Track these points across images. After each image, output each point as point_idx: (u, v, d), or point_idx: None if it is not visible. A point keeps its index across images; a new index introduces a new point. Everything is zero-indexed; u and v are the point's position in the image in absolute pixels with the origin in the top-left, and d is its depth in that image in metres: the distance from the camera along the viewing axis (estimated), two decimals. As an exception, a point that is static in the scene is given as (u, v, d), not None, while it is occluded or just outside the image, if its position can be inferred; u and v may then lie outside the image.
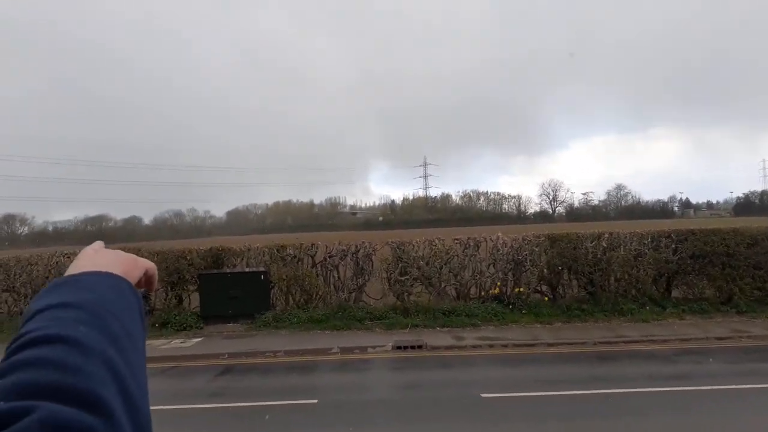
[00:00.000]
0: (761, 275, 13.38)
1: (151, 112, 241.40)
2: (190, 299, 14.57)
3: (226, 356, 11.07)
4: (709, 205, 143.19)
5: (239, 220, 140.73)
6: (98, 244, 0.93)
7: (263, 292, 13.94)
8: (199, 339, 12.64)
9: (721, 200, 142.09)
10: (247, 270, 14.24)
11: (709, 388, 8.17)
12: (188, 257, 14.44)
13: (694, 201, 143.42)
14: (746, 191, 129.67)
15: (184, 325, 13.46)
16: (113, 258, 0.82)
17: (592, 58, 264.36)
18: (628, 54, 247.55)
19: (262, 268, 14.20)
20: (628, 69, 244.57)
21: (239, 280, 13.83)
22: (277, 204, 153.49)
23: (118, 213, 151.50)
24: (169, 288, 14.36)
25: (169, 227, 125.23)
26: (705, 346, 10.91)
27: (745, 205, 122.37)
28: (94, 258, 0.81)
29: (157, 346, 12.01)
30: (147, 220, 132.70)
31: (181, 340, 12.60)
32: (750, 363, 9.74)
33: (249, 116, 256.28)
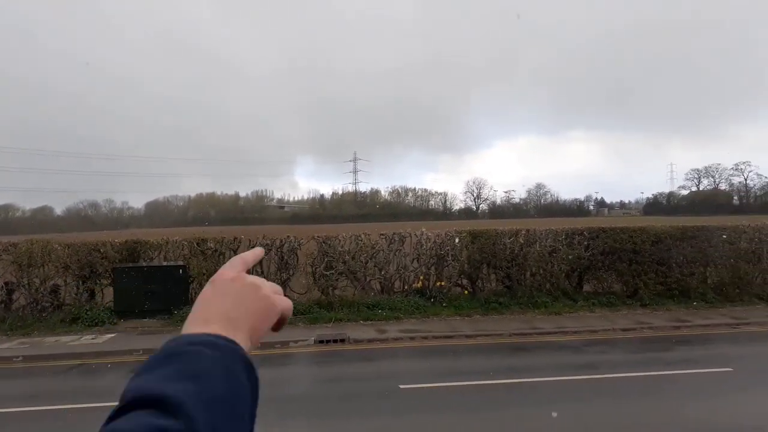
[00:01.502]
0: (664, 271, 14.43)
1: (63, 96, 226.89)
2: (103, 294, 13.89)
3: (141, 352, 10.60)
4: (622, 205, 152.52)
5: (159, 212, 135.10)
6: (251, 254, 0.83)
7: (181, 286, 13.47)
8: (112, 335, 12.05)
9: (633, 200, 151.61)
10: (164, 264, 13.72)
11: (612, 376, 8.75)
12: (102, 250, 13.78)
13: (608, 200, 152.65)
14: (655, 192, 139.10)
15: (96, 321, 12.79)
16: (248, 308, 0.71)
17: (516, 61, 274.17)
18: (551, 59, 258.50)
19: (180, 262, 13.73)
20: (550, 73, 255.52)
21: (156, 274, 13.30)
22: (200, 196, 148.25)
23: (27, 203, 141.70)
24: (80, 282, 13.67)
25: (83, 218, 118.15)
26: (612, 337, 11.66)
27: (654, 205, 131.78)
28: (224, 305, 0.69)
29: (65, 342, 11.39)
30: (59, 210, 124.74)
31: (93, 336, 11.97)
32: (651, 352, 10.48)
33: (169, 103, 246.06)
